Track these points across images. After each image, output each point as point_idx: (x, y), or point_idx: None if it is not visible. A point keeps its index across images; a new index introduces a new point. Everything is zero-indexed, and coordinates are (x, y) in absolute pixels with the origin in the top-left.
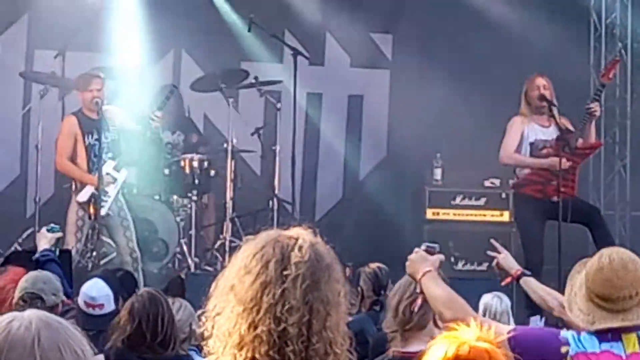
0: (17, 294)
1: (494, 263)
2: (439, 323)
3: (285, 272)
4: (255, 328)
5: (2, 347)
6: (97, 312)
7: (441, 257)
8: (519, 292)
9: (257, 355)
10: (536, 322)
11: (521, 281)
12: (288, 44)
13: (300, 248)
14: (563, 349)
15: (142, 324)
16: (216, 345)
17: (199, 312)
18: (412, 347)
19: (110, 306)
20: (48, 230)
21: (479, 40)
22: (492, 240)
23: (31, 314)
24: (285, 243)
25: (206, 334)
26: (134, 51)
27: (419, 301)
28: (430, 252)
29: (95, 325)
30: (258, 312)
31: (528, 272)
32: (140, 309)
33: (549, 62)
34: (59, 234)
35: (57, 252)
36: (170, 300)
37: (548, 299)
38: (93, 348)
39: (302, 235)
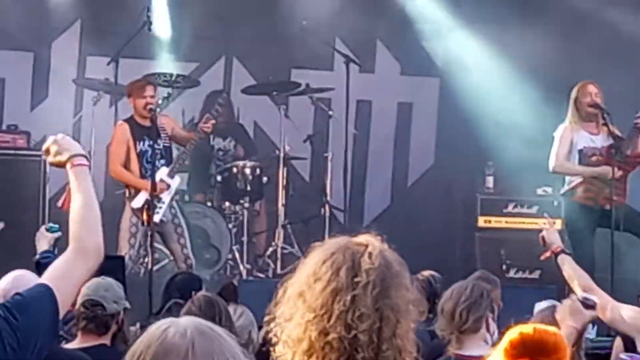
0: (79, 300)
1: (539, 235)
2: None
3: (356, 279)
4: (326, 335)
5: (157, 353)
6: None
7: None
8: None
9: None
10: (588, 329)
11: (559, 258)
12: (340, 51)
13: (370, 255)
14: None
15: None
16: (284, 352)
17: (266, 318)
18: (468, 351)
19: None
20: (47, 230)
21: (532, 49)
22: (545, 214)
23: (187, 321)
24: (356, 250)
25: (274, 340)
26: (185, 58)
27: (548, 254)
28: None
29: None
30: (329, 319)
31: (568, 252)
32: (197, 312)
33: (600, 72)
34: (59, 234)
35: (57, 252)
36: (232, 306)
37: (582, 277)
38: (247, 356)
39: (372, 242)
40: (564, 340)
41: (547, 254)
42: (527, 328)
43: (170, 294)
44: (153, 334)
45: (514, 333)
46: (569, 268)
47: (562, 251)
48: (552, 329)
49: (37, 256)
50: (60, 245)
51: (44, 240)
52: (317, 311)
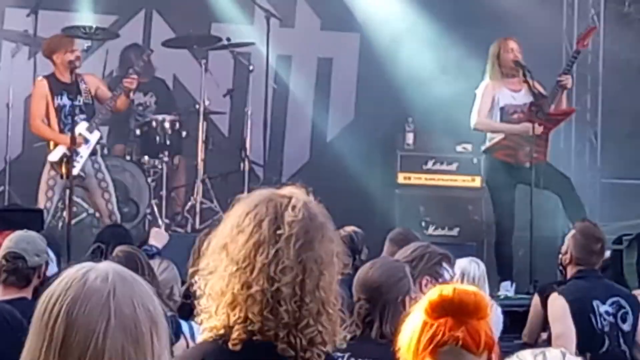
0: (1, 252)
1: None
2: None
3: (278, 232)
4: (249, 287)
5: (77, 297)
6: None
7: None
8: (490, 258)
9: (250, 315)
10: (507, 287)
11: None
12: (260, 5)
13: (293, 207)
14: None
15: None
16: (209, 305)
17: (190, 271)
18: None
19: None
20: None
21: (450, 3)
22: None
23: (107, 266)
24: (279, 202)
25: (199, 292)
26: (105, 11)
27: None
28: None
29: None
30: (252, 271)
31: None
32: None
33: (522, 27)
34: None
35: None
36: (157, 260)
37: None
38: (163, 307)
39: (296, 194)
40: (484, 299)
41: None
42: (446, 289)
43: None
44: (73, 277)
45: (433, 294)
46: None
47: None
48: (472, 288)
49: None
50: None
51: None
52: (240, 264)
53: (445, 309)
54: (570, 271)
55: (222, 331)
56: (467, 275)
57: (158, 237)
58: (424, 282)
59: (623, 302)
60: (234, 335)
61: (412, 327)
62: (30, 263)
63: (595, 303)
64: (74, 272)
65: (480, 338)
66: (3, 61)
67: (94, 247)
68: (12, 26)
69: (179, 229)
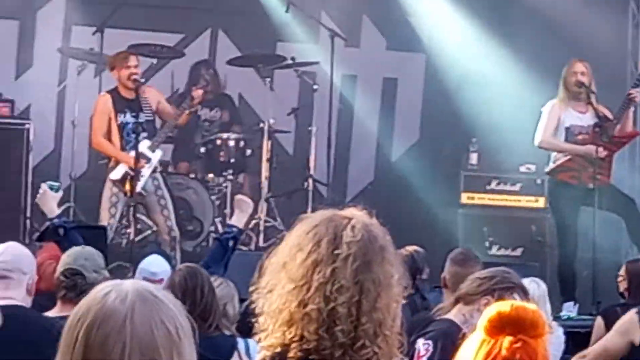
0: (59, 268)
1: None
2: None
3: (336, 251)
4: (305, 306)
5: (96, 319)
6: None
7: None
8: (553, 278)
9: (305, 333)
10: (569, 308)
11: None
12: (325, 25)
13: (353, 228)
14: None
15: (183, 297)
16: (267, 323)
17: (251, 289)
18: None
19: None
20: (51, 189)
21: (517, 25)
22: None
23: (129, 285)
24: (339, 222)
25: (258, 311)
26: (171, 29)
27: None
28: None
29: None
30: (308, 290)
31: None
32: (181, 282)
33: (588, 49)
34: (61, 193)
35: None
36: (213, 277)
37: None
38: (193, 324)
39: (357, 215)
40: (542, 316)
41: None
42: (504, 306)
43: None
44: (94, 298)
45: (492, 311)
46: None
47: None
48: (530, 305)
49: (55, 220)
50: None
51: (53, 202)
52: (297, 282)
53: (502, 324)
54: None
55: (278, 349)
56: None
57: (242, 207)
58: (483, 301)
59: None
60: (291, 354)
61: (470, 346)
62: (88, 279)
63: None
64: (95, 292)
65: (537, 356)
66: (69, 79)
67: (114, 266)
68: (78, 44)
69: (243, 247)
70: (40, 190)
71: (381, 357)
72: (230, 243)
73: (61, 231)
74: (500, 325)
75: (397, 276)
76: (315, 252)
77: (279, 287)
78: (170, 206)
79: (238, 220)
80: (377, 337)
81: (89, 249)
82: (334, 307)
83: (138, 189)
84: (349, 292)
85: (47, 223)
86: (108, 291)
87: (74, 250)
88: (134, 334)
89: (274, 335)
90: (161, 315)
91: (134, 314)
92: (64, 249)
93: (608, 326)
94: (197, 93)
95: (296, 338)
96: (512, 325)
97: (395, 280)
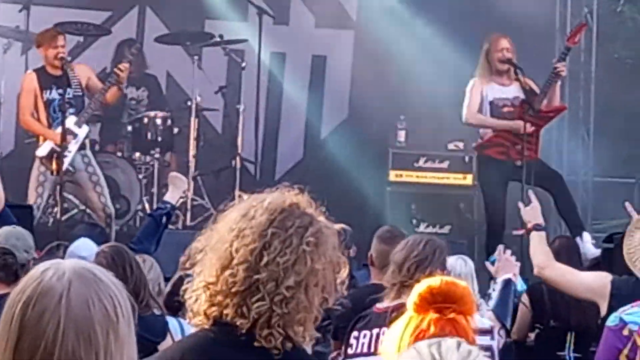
0: None
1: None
2: None
3: (247, 215)
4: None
5: (31, 297)
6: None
7: None
8: (482, 256)
9: (211, 275)
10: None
11: (531, 234)
12: (253, 2)
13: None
14: (625, 331)
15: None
16: (197, 294)
17: (180, 273)
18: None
19: None
20: None
21: (445, 2)
22: (530, 192)
23: (69, 264)
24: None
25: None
26: (98, 6)
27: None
28: None
29: None
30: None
31: (541, 227)
32: (108, 262)
33: (515, 24)
34: None
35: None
36: (139, 258)
37: (542, 253)
38: (133, 303)
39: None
40: (470, 293)
41: (520, 231)
42: (434, 280)
43: None
44: (32, 276)
45: (422, 286)
46: (535, 243)
47: (535, 227)
48: (460, 281)
49: None
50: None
51: None
52: (216, 250)
53: (433, 298)
54: None
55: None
56: (453, 273)
57: (176, 183)
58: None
59: None
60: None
61: (398, 324)
62: (19, 259)
63: None
64: (34, 270)
65: (467, 332)
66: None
67: (52, 246)
68: (4, 22)
69: (170, 226)
70: None
71: (281, 320)
72: (164, 219)
73: None
74: (431, 300)
75: (322, 259)
76: (230, 222)
77: (208, 264)
78: (103, 182)
79: (172, 196)
80: (275, 295)
81: (19, 229)
82: (231, 252)
83: (65, 165)
84: (253, 243)
85: None
86: (45, 269)
87: (5, 229)
88: (69, 311)
89: (202, 308)
90: (99, 294)
91: (70, 292)
92: None
93: (533, 302)
94: (123, 66)
95: (215, 303)
96: (443, 299)
97: (318, 259)
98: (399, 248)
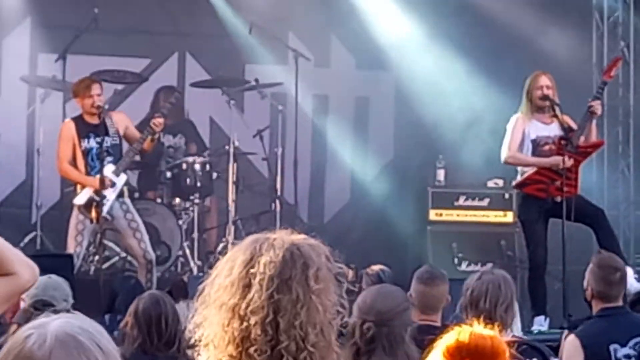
0: (28, 300)
1: None
2: None
3: (252, 271)
4: (226, 328)
5: None
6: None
7: None
8: (524, 293)
9: (232, 355)
10: (540, 322)
11: None
12: (289, 45)
13: (272, 247)
14: None
15: (147, 325)
16: (202, 347)
17: (190, 315)
18: None
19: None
20: None
21: (481, 40)
22: None
23: (53, 327)
24: (260, 243)
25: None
26: (137, 54)
27: None
28: None
29: None
30: (226, 312)
31: None
32: (144, 310)
33: (552, 61)
34: None
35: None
36: (183, 303)
37: None
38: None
39: (283, 235)
40: (501, 342)
41: None
42: (463, 334)
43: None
44: (16, 341)
45: (450, 338)
46: None
47: None
48: (488, 332)
49: None
50: None
51: None
52: (216, 306)
53: (461, 353)
54: (595, 307)
55: None
56: None
57: None
58: None
59: None
60: None
61: None
62: (59, 309)
63: (612, 347)
64: (19, 333)
65: None
66: (37, 107)
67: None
68: (44, 71)
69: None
70: None
71: None
72: None
73: None
74: (459, 353)
75: (326, 292)
76: (230, 274)
77: (211, 312)
78: (142, 229)
79: None
80: (300, 353)
81: (54, 277)
82: (247, 327)
83: (103, 213)
84: (263, 311)
85: None
86: (29, 334)
87: (41, 280)
88: None
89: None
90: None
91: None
92: None
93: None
94: (158, 122)
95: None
96: (471, 354)
97: (324, 295)
98: (476, 287)
